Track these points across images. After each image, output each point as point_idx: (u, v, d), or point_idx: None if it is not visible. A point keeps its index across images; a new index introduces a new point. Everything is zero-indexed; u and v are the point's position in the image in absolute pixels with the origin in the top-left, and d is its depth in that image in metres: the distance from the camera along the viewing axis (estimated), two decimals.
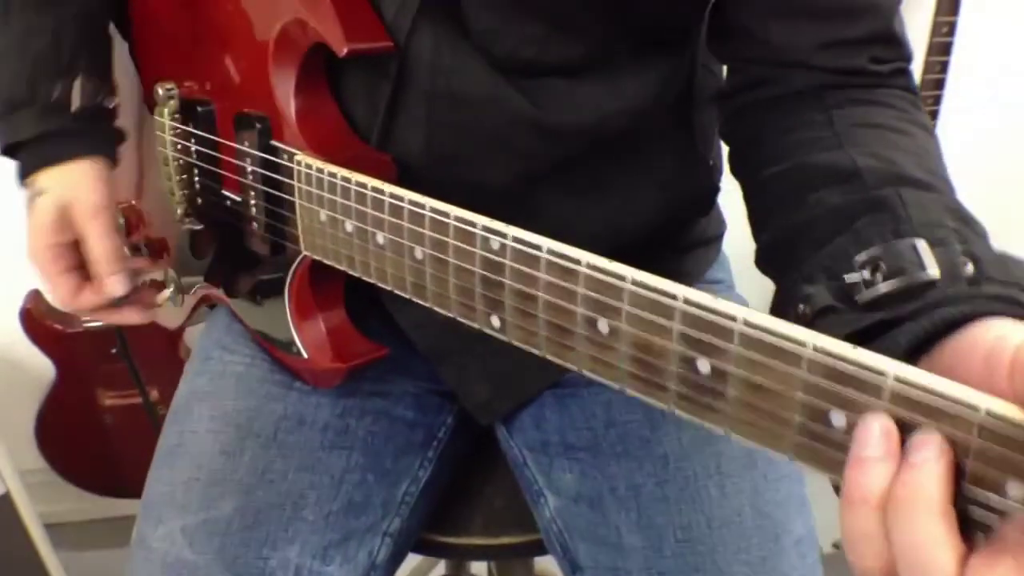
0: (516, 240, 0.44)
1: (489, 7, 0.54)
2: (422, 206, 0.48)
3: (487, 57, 0.55)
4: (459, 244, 0.46)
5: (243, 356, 0.69)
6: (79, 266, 0.67)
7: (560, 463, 0.67)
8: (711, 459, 0.63)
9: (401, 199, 0.49)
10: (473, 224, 0.45)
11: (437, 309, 0.50)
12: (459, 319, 0.49)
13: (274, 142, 0.59)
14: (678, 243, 0.70)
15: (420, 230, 0.48)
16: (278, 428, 0.65)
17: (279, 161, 0.58)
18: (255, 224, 0.63)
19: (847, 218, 0.46)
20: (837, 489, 0.39)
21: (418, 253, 0.49)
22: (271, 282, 0.64)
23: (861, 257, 0.42)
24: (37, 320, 1.28)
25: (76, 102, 0.65)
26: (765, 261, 0.53)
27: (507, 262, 0.44)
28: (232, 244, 0.67)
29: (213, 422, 0.66)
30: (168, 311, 0.84)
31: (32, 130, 0.65)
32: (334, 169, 0.53)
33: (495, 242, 0.45)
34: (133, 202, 0.87)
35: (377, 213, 0.51)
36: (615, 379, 0.42)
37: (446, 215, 0.47)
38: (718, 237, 0.74)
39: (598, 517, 0.64)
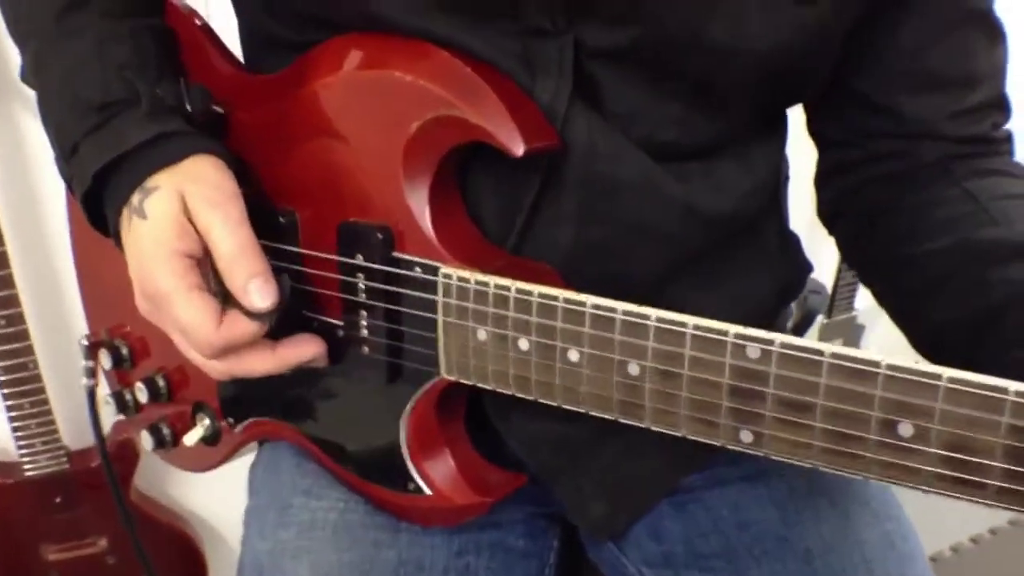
0: (786, 347, 0.40)
1: (629, 87, 0.51)
2: (646, 316, 0.43)
3: (631, 140, 0.53)
4: (700, 355, 0.42)
5: (333, 500, 0.60)
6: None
7: (691, 574, 0.63)
8: (855, 549, 0.61)
9: (613, 311, 0.44)
10: (722, 333, 0.42)
11: (655, 428, 0.45)
12: (689, 436, 0.45)
13: (399, 254, 0.52)
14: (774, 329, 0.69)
15: (640, 342, 0.44)
16: None
17: (410, 275, 0.51)
18: (365, 348, 0.55)
19: None
20: None
21: (633, 368, 0.44)
22: (377, 412, 0.56)
23: None
24: None
25: (189, 105, 0.55)
26: (939, 344, 0.53)
27: (772, 371, 0.41)
28: (315, 371, 0.58)
29: None
30: (195, 453, 0.72)
31: (143, 133, 0.52)
32: (503, 281, 0.48)
33: (753, 350, 0.41)
34: (128, 328, 0.76)
35: (573, 327, 0.46)
36: (916, 482, 0.40)
37: (682, 324, 0.43)
38: (794, 323, 0.74)
39: None
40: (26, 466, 1.12)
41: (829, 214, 0.63)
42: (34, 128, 1.17)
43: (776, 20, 0.49)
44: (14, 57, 1.12)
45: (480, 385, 0.51)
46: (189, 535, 1.28)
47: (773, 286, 0.63)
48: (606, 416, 0.47)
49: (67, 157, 0.56)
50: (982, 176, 0.55)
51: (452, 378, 0.52)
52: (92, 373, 0.79)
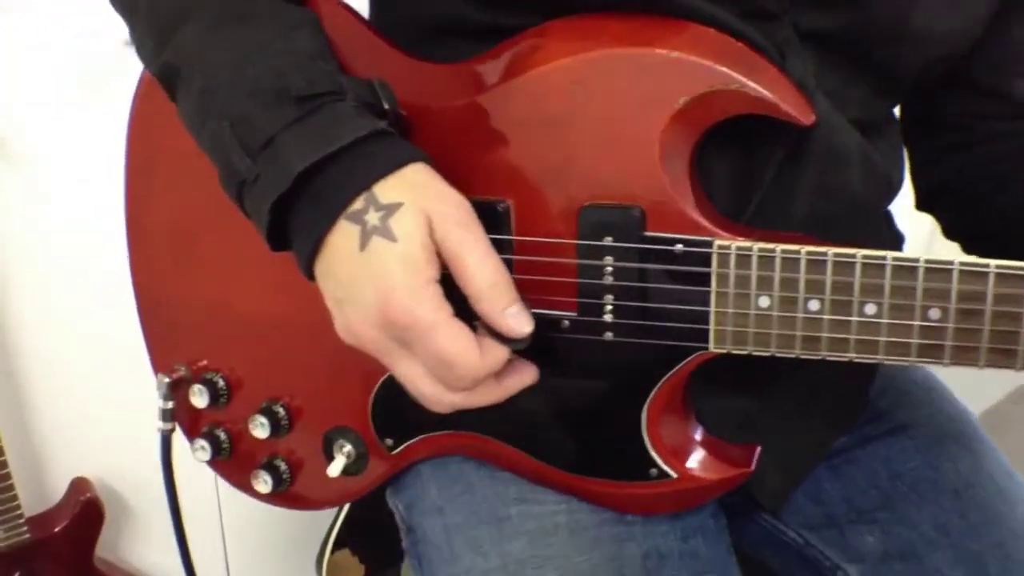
0: None
1: (826, 69, 0.55)
2: (949, 263, 0.48)
3: None
4: (1004, 291, 0.47)
5: (554, 504, 0.58)
6: None
7: (855, 529, 0.67)
8: (988, 480, 0.69)
9: (915, 260, 0.48)
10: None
11: (951, 364, 0.49)
12: (984, 367, 0.49)
13: (653, 232, 0.52)
14: None
15: (943, 286, 0.48)
16: (650, 570, 0.56)
17: (670, 250, 0.51)
18: (608, 334, 0.54)
19: None
20: None
21: (935, 312, 0.48)
22: (610, 400, 0.55)
23: None
24: None
25: (385, 102, 0.51)
26: None
27: None
28: None
29: None
30: (328, 486, 0.65)
31: (356, 129, 0.48)
32: (790, 246, 0.49)
33: None
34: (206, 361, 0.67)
35: (872, 281, 0.49)
36: None
37: (985, 266, 0.47)
38: None
39: (914, 567, 0.65)
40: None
41: (930, 193, 0.71)
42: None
43: (959, 9, 0.56)
44: None
45: (756, 353, 0.52)
46: None
47: None
48: (901, 362, 0.50)
49: (255, 153, 0.50)
50: None
51: (721, 350, 0.52)
52: (170, 416, 0.68)
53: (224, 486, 0.80)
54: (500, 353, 0.50)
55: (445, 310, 0.48)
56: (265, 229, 0.50)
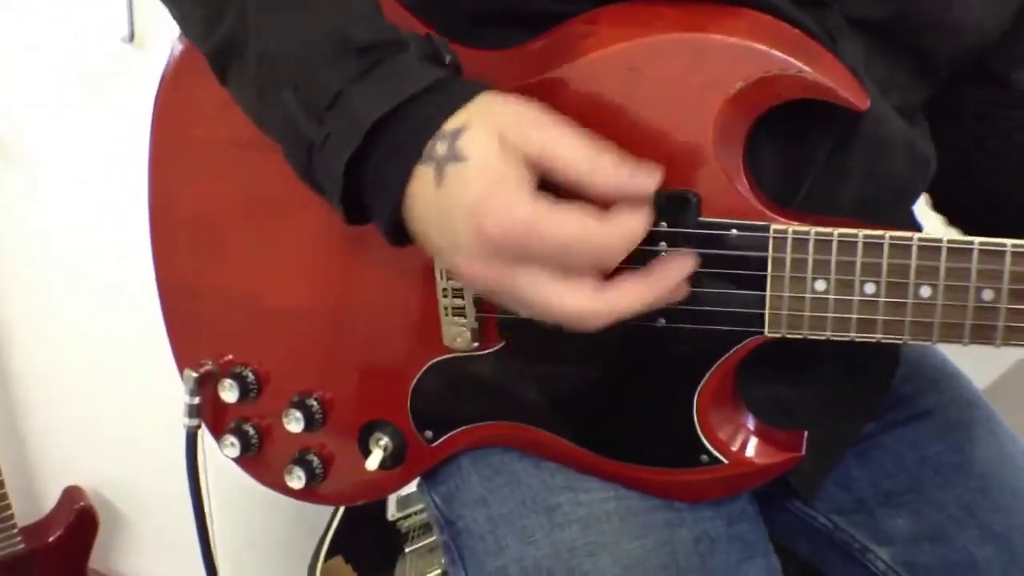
0: None
1: (871, 56, 0.56)
2: (1002, 245, 0.49)
3: None
4: None
5: (602, 492, 0.57)
6: None
7: (885, 512, 0.68)
8: (1008, 462, 0.70)
9: (970, 243, 0.49)
10: None
11: (1004, 346, 0.50)
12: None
13: (708, 217, 0.52)
14: None
15: (996, 268, 0.49)
16: (702, 554, 0.56)
17: (725, 235, 0.52)
18: (661, 320, 0.54)
19: None
20: None
21: (987, 294, 0.49)
22: (661, 387, 0.55)
23: None
24: None
25: (446, 54, 0.50)
26: None
27: None
28: (571, 355, 0.56)
29: (629, 572, 0.53)
30: (362, 480, 0.64)
31: (425, 75, 0.47)
32: (847, 229, 0.50)
33: None
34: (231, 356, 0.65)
35: (928, 263, 0.49)
36: None
37: None
38: None
39: (944, 547, 0.67)
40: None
41: (963, 179, 0.71)
42: None
43: (994, 1, 0.58)
44: None
45: (812, 336, 0.52)
46: None
47: None
48: (955, 343, 0.51)
49: (322, 113, 0.48)
50: None
51: (775, 335, 0.53)
52: (197, 411, 0.67)
53: (215, 492, 0.78)
54: (630, 216, 0.46)
55: (542, 201, 0.45)
56: (339, 193, 0.48)
